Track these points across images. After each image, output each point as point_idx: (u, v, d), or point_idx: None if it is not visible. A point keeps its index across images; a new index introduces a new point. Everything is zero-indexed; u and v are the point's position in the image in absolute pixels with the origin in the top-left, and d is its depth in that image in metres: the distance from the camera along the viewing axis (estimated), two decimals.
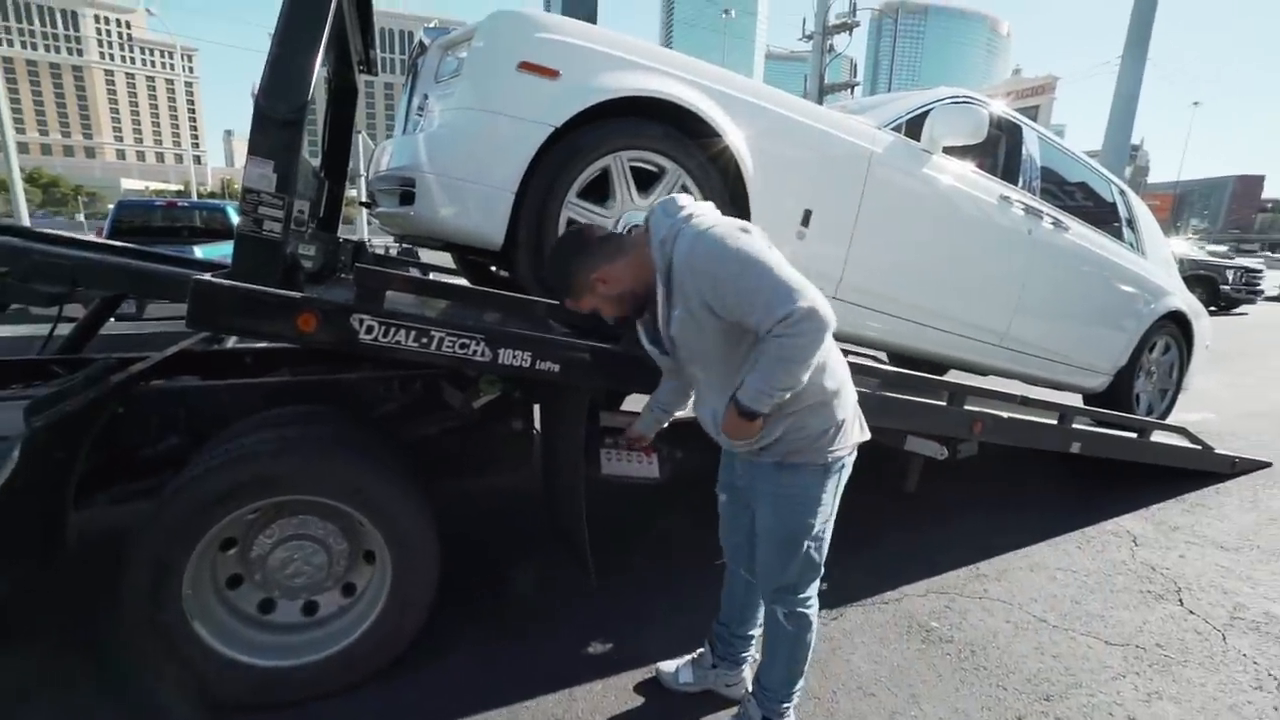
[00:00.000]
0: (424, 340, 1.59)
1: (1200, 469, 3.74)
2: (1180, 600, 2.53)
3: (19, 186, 16.53)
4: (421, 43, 2.22)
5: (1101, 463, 3.28)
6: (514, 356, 1.68)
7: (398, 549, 1.75)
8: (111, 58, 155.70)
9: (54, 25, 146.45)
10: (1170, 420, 4.02)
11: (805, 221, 2.36)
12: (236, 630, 1.72)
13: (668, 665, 1.92)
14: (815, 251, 2.42)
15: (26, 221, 17.58)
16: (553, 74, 1.87)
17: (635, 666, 1.98)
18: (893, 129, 2.67)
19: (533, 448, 2.43)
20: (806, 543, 1.54)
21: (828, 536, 1.58)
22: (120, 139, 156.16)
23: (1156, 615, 2.42)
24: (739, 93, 2.18)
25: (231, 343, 2.85)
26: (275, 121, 1.55)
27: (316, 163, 2.94)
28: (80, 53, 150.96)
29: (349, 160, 3.06)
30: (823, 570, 1.61)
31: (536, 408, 2.35)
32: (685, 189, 2.11)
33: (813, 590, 1.62)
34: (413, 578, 1.78)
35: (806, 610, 1.60)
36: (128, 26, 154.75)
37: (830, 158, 2.43)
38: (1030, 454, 2.94)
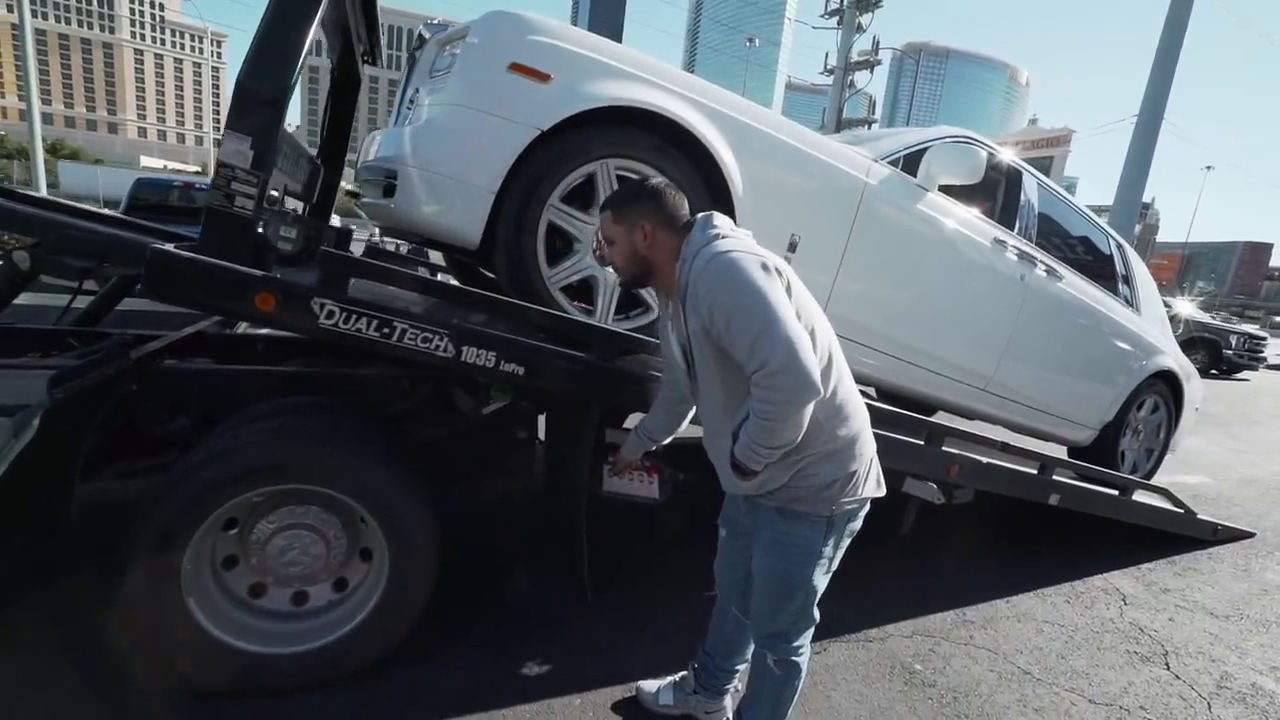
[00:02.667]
0: (385, 331, 1.56)
1: (1180, 533, 3.69)
2: (1167, 664, 2.50)
3: (40, 156, 16.71)
4: (421, 36, 2.22)
5: (1093, 518, 3.25)
6: (478, 355, 1.65)
7: (398, 552, 1.75)
8: (142, 37, 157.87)
9: (89, 2, 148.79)
10: (1166, 482, 3.98)
11: (792, 248, 2.34)
12: (226, 611, 1.72)
13: (649, 685, 1.90)
14: (799, 280, 2.39)
15: (44, 190, 17.72)
16: (543, 77, 1.86)
17: (616, 684, 1.96)
18: (889, 162, 2.66)
19: (535, 458, 2.42)
20: (800, 594, 1.50)
21: (823, 587, 1.53)
22: (143, 117, 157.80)
23: (1142, 677, 2.39)
24: (732, 111, 2.17)
25: (243, 328, 2.87)
26: (257, 99, 1.54)
27: (314, 150, 2.93)
28: (112, 30, 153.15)
29: (346, 149, 3.05)
30: (817, 621, 1.58)
31: (542, 418, 2.35)
32: None
33: (805, 639, 1.58)
34: (408, 582, 1.78)
35: (797, 659, 1.57)
36: (161, 8, 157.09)
37: (822, 185, 2.42)
38: (1023, 504, 2.93)
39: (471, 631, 2.12)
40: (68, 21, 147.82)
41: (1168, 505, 3.64)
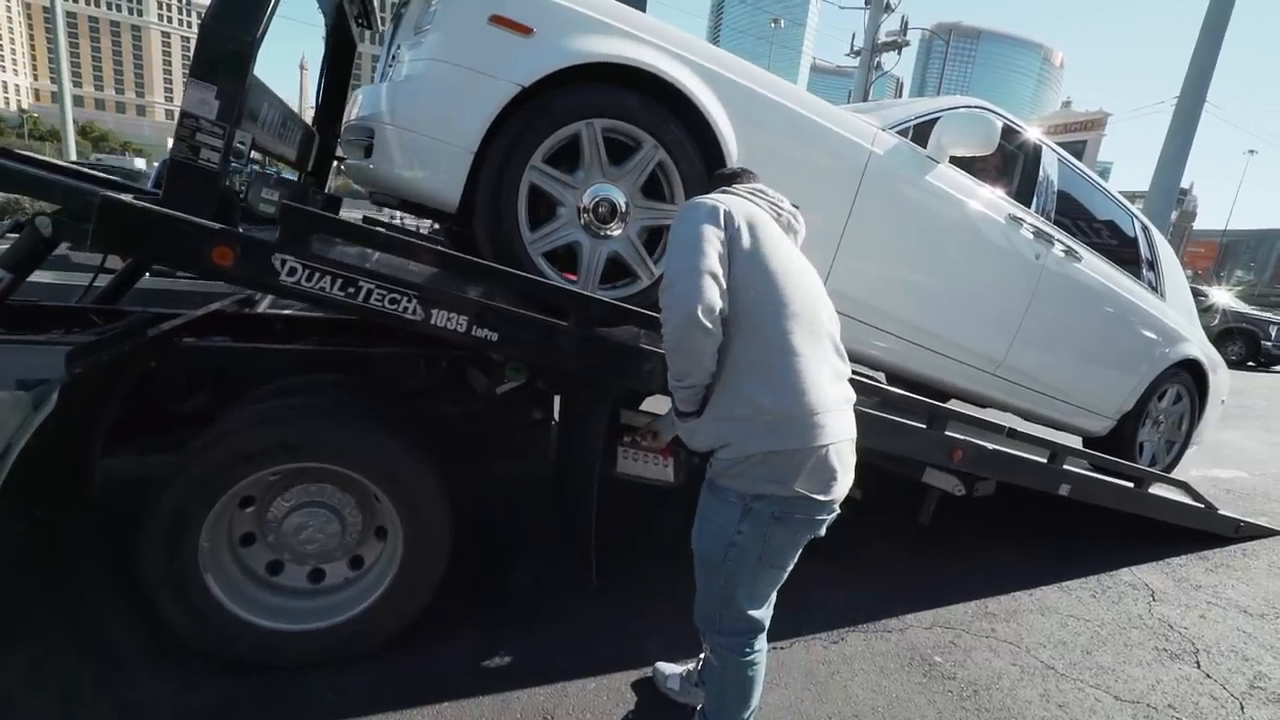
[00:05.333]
0: (350, 290, 1.51)
1: (1200, 528, 3.53)
2: (1197, 662, 2.41)
3: (71, 138, 17.03)
4: None
5: (1120, 510, 3.14)
6: (448, 319, 1.59)
7: (411, 528, 1.76)
8: (170, 20, 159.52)
9: None
10: (1200, 476, 3.84)
11: None
12: (244, 588, 1.74)
13: (665, 667, 1.92)
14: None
15: None
16: (526, 31, 1.77)
17: (631, 668, 1.95)
18: (898, 131, 2.54)
19: (550, 438, 2.42)
20: (718, 577, 1.44)
21: (749, 583, 1.43)
22: (171, 99, 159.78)
23: (1171, 675, 2.31)
24: (728, 72, 2.06)
25: (263, 307, 2.91)
26: (223, 47, 1.48)
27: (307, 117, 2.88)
28: (140, 13, 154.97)
29: (343, 116, 3.00)
30: (755, 621, 1.48)
31: (557, 399, 2.35)
32: (662, 166, 2.01)
33: (736, 635, 1.48)
34: (422, 558, 1.79)
35: (732, 654, 1.48)
36: None
37: (824, 153, 2.30)
38: (1045, 494, 2.85)
39: (485, 613, 2.12)
40: (97, 4, 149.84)
41: (1186, 499, 3.50)
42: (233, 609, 1.69)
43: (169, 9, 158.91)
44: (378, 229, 1.71)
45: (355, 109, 2.11)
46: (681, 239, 1.32)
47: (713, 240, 1.30)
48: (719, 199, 1.40)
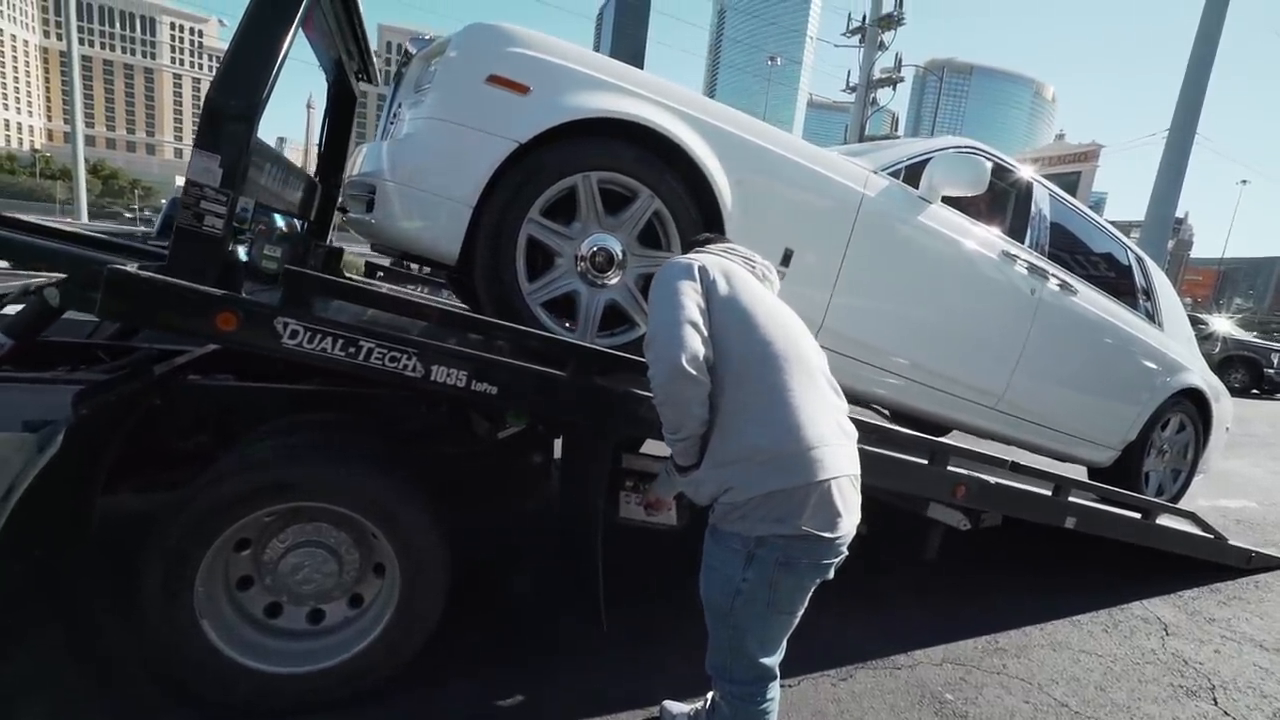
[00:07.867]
0: (351, 350, 1.53)
1: (1210, 560, 3.49)
2: (1214, 699, 2.37)
3: (82, 178, 17.43)
4: (408, 52, 2.21)
5: (1129, 543, 3.11)
6: (448, 375, 1.61)
7: (408, 565, 1.75)
8: (181, 62, 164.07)
9: (133, 29, 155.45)
10: (1208, 505, 3.79)
11: (785, 261, 2.27)
12: (241, 632, 1.72)
13: (673, 706, 1.88)
14: (794, 293, 2.31)
15: (85, 208, 18.20)
16: (522, 89, 1.83)
17: (637, 707, 1.93)
18: (890, 173, 2.58)
19: (551, 481, 2.42)
20: (726, 627, 1.42)
21: (759, 631, 1.41)
22: (180, 138, 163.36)
23: (1188, 712, 2.26)
24: (720, 122, 2.11)
25: None
26: (226, 116, 1.53)
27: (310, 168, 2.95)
28: (154, 56, 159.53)
29: (344, 166, 3.06)
30: (766, 670, 1.45)
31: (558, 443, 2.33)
32: (658, 215, 2.05)
33: (748, 684, 1.45)
34: (421, 595, 1.78)
35: (740, 702, 1.46)
36: (199, 35, 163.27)
37: (816, 198, 2.34)
38: (1053, 527, 2.83)
39: (489, 654, 2.10)
40: (112, 48, 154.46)
41: (1196, 530, 3.46)
42: (230, 655, 1.66)
43: (182, 52, 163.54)
44: (375, 288, 1.74)
45: (358, 165, 2.16)
46: (660, 297, 1.37)
47: (689, 293, 1.35)
48: (693, 257, 1.48)
